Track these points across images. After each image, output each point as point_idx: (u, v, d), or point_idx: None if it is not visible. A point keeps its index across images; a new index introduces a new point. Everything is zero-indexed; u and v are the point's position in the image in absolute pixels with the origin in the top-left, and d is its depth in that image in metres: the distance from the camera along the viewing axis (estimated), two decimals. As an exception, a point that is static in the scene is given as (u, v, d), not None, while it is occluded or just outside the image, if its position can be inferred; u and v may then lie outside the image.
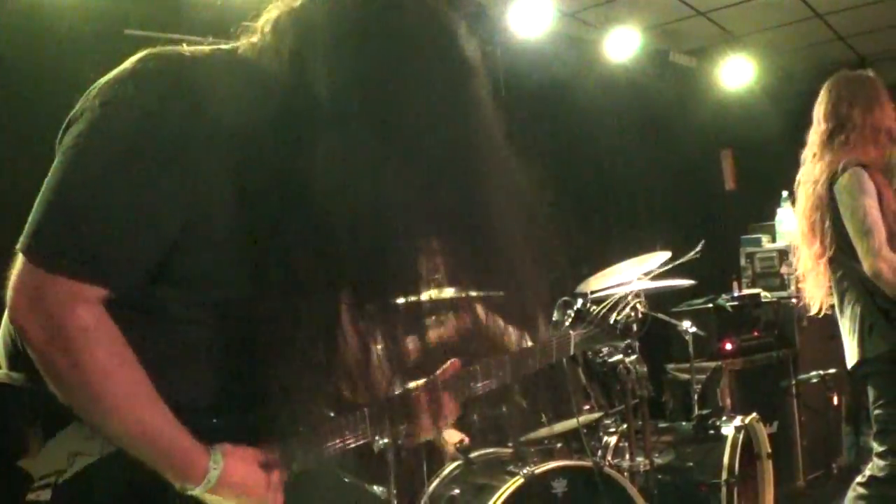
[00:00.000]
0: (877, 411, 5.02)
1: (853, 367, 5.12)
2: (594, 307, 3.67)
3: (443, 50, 1.98)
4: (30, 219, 1.90)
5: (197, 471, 1.98)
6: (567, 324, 3.46)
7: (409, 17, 1.96)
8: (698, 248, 5.61)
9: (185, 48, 2.04)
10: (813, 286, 5.28)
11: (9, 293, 1.90)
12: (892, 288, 4.78)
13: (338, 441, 2.30)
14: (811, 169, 5.20)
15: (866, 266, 4.81)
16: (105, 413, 1.91)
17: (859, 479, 5.10)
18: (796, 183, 5.31)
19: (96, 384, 1.88)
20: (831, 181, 4.99)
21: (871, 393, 5.05)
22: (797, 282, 5.46)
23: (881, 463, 4.96)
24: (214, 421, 2.06)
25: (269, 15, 2.05)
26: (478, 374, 2.61)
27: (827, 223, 5.04)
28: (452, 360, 2.53)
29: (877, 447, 5.01)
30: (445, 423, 2.51)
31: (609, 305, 3.83)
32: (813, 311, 5.34)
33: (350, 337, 2.13)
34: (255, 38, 2.07)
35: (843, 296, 5.10)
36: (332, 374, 2.19)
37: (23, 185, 2.09)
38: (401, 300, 2.08)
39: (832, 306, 5.25)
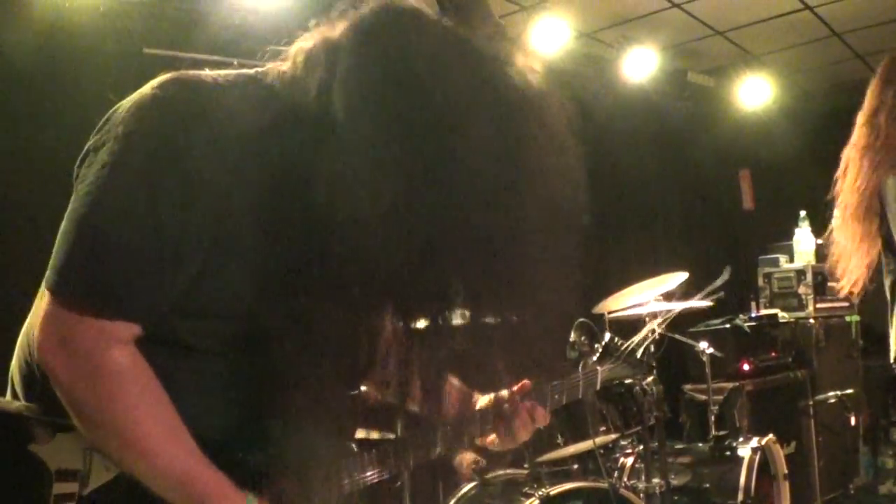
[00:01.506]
0: None
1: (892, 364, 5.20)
2: (621, 342, 3.67)
3: (479, 88, 1.93)
4: (54, 254, 1.88)
5: None
6: (594, 359, 3.47)
7: (449, 59, 1.93)
8: (726, 276, 5.60)
9: (208, 72, 2.02)
10: (854, 265, 5.26)
11: (37, 333, 1.88)
12: None
13: (362, 475, 2.31)
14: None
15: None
16: (138, 456, 1.90)
17: None
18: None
19: (130, 427, 1.87)
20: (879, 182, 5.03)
21: None
22: (829, 267, 5.40)
23: None
24: (239, 455, 2.04)
25: (303, 44, 2.02)
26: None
27: (876, 223, 5.07)
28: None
29: None
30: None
31: (637, 341, 3.84)
32: (848, 290, 5.30)
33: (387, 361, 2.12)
34: (285, 67, 2.03)
35: (892, 290, 5.13)
36: (357, 406, 2.19)
37: (42, 205, 2.09)
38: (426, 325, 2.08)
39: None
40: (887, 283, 5.18)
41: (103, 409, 1.86)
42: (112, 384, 1.85)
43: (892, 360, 5.19)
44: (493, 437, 2.63)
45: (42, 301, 1.89)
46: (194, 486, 1.93)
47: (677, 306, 5.40)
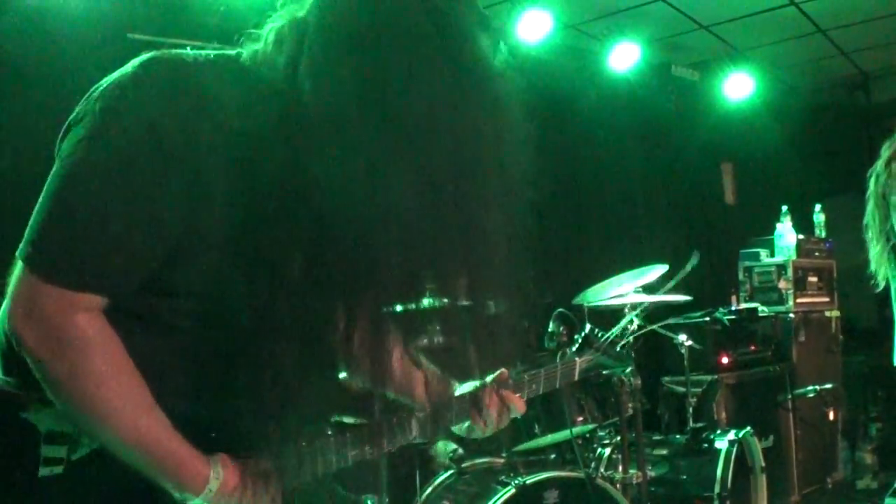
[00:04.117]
0: None
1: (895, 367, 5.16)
2: (600, 332, 3.68)
3: (446, 59, 1.96)
4: (29, 225, 1.89)
5: (198, 481, 1.98)
6: (572, 349, 3.49)
7: (412, 26, 1.94)
8: (694, 261, 5.60)
9: (188, 52, 2.03)
10: (883, 269, 5.26)
11: (7, 300, 1.90)
12: None
13: (335, 455, 2.32)
14: (880, 163, 5.20)
15: None
16: (102, 421, 1.91)
17: (889, 492, 5.12)
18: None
19: (94, 393, 1.88)
20: (887, 177, 5.01)
21: None
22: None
23: None
24: (211, 434, 2.05)
25: (273, 24, 2.05)
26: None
27: (885, 221, 5.06)
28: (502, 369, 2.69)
29: None
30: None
31: (615, 333, 3.84)
32: (880, 287, 5.30)
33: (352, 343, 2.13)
34: (257, 46, 2.06)
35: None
36: (328, 385, 2.20)
37: (25, 189, 2.09)
38: (398, 308, 2.09)
39: None
40: (892, 286, 5.19)
41: (68, 375, 1.88)
42: (76, 351, 1.87)
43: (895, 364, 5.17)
44: (468, 424, 2.66)
45: (15, 270, 1.90)
46: (158, 452, 1.95)
47: (657, 298, 5.42)
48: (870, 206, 5.24)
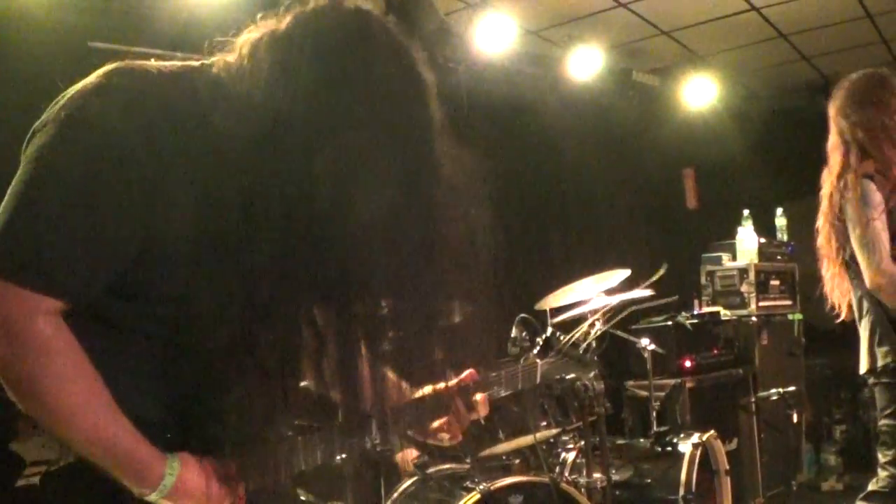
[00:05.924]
0: (882, 421, 5.04)
1: (862, 375, 5.15)
2: (562, 336, 3.68)
3: (413, 94, 2.05)
4: None
5: (153, 477, 1.99)
6: (534, 352, 3.48)
7: (386, 64, 2.02)
8: (661, 271, 5.63)
9: (154, 63, 2.05)
10: (838, 293, 5.27)
11: None
12: (892, 302, 4.82)
13: (299, 458, 2.33)
14: (827, 175, 5.19)
15: (867, 280, 4.82)
16: (62, 421, 1.92)
17: (861, 496, 5.11)
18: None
19: (54, 393, 1.89)
20: (841, 192, 5.00)
21: (878, 402, 5.08)
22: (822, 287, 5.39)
23: (883, 474, 4.96)
24: (169, 436, 2.06)
25: (250, 36, 2.06)
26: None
27: (840, 233, 5.06)
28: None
29: (881, 458, 5.02)
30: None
31: (577, 335, 3.84)
32: (842, 317, 5.32)
33: (314, 351, 2.15)
34: (230, 57, 2.08)
35: (860, 304, 5.12)
36: (292, 391, 2.21)
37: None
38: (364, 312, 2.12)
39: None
40: (854, 297, 5.20)
41: (28, 376, 1.89)
42: (37, 353, 1.88)
43: (861, 372, 5.17)
44: (433, 427, 2.64)
45: None
46: (115, 449, 1.96)
47: (619, 298, 5.44)
48: (825, 228, 5.23)
